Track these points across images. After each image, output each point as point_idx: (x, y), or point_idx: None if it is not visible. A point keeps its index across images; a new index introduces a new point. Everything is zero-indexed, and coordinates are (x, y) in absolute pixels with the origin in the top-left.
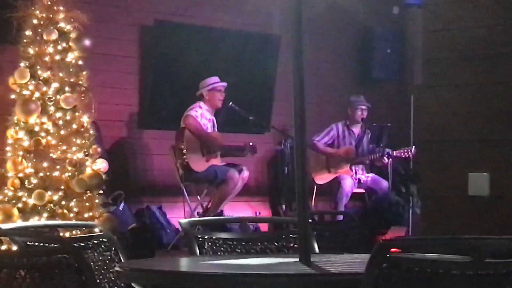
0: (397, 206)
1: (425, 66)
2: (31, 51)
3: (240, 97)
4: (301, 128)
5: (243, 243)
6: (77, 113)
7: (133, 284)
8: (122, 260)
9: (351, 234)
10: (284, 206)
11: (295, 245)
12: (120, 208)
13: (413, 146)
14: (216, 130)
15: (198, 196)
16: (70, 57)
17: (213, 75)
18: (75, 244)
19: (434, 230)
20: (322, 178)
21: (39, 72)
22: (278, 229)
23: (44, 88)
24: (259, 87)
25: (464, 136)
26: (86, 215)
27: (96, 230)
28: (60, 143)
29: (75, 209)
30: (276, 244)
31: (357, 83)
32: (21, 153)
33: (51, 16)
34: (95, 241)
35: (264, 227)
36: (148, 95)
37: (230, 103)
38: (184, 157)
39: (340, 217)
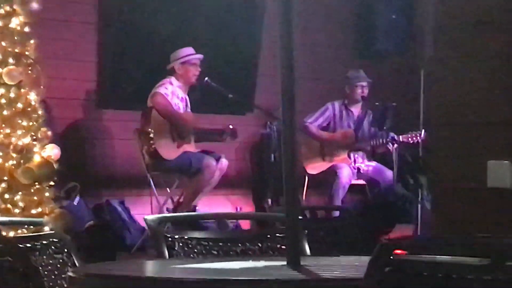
0: (403, 200)
1: (436, 34)
2: None
3: (218, 71)
4: (290, 107)
5: (220, 243)
6: (22, 90)
7: None
8: (77, 264)
9: (349, 233)
10: (270, 201)
11: (283, 246)
12: (75, 202)
13: (423, 130)
14: (190, 110)
15: (167, 189)
16: (15, 22)
17: (186, 46)
18: (21, 245)
19: (446, 228)
20: (315, 167)
21: None
22: (262, 227)
23: None
24: (240, 60)
25: (482, 117)
26: (34, 211)
27: (46, 228)
28: (3, 125)
29: (21, 204)
30: (260, 245)
31: (357, 55)
32: None
33: None
34: (45, 242)
35: (246, 224)
36: (109, 69)
37: (206, 79)
38: (151, 142)
39: (336, 213)
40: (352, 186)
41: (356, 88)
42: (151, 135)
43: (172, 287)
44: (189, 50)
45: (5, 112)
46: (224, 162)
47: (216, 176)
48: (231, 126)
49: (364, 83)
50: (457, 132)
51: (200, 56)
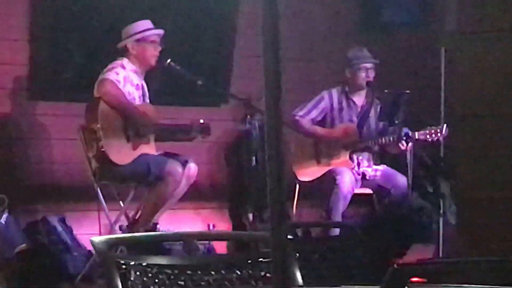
0: (420, 213)
1: (460, 5)
2: None
3: (184, 51)
4: (276, 97)
5: (189, 272)
6: None
7: None
8: None
9: (352, 256)
10: (251, 216)
11: (268, 274)
12: (2, 220)
13: (445, 124)
14: (148, 101)
15: (121, 202)
16: None
17: (142, 19)
18: None
19: (474, 248)
20: (309, 173)
21: None
22: (242, 250)
23: None
24: (212, 36)
25: None
26: None
27: None
28: None
29: None
30: (239, 273)
31: (360, 29)
32: None
33: None
34: None
35: (221, 247)
36: (44, 50)
37: (169, 60)
38: (100, 143)
39: (336, 231)
40: (355, 196)
41: (359, 72)
42: (99, 134)
43: None
44: (146, 23)
45: None
46: (192, 167)
47: (182, 185)
48: (201, 121)
49: (369, 65)
50: (487, 126)
51: (160, 31)
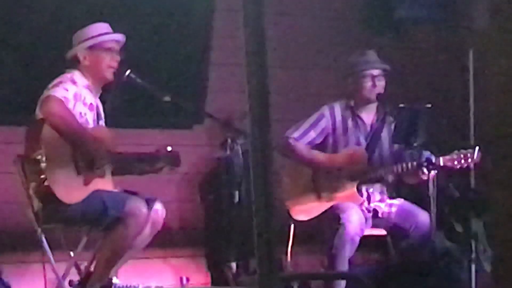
0: (447, 260)
1: None
2: None
3: (148, 61)
4: (263, 115)
5: None
6: None
7: None
8: None
9: None
10: (234, 265)
11: None
12: None
13: (476, 147)
14: (104, 123)
15: (71, 252)
16: None
17: (98, 21)
18: None
19: None
20: (307, 211)
21: None
22: None
23: None
24: (182, 42)
25: None
26: None
27: None
28: None
29: None
30: None
31: (368, 30)
32: None
33: None
34: None
35: None
36: None
37: (128, 72)
38: (42, 176)
39: (342, 284)
40: (365, 239)
41: (364, 80)
42: (42, 165)
43: None
44: (102, 27)
45: None
46: (159, 210)
47: (146, 232)
48: (169, 148)
49: (376, 71)
50: None
51: (119, 36)
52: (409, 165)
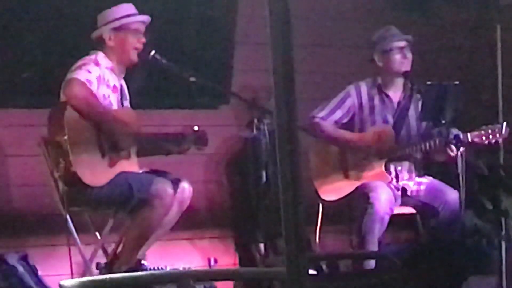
0: (477, 237)
1: None
2: None
3: (173, 42)
4: (288, 94)
5: None
6: None
7: None
8: None
9: None
10: (262, 246)
11: None
12: None
13: (504, 122)
14: (129, 105)
15: (97, 233)
16: None
17: (122, 2)
18: None
19: None
20: (335, 190)
21: None
22: None
23: None
24: (206, 22)
25: None
26: None
27: None
28: None
29: None
30: None
31: (397, 5)
32: None
33: None
34: None
35: (226, 287)
36: None
37: (153, 52)
38: (67, 159)
39: (371, 263)
40: (394, 218)
41: (391, 54)
42: (66, 148)
43: None
44: (128, 8)
45: None
46: (186, 189)
47: (173, 212)
48: (195, 128)
49: (402, 43)
50: None
51: (144, 17)
52: (437, 142)
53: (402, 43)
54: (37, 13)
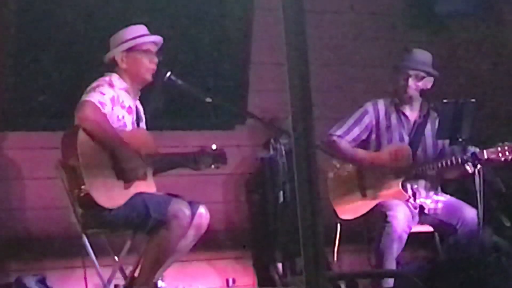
0: (496, 255)
1: None
2: None
3: (187, 62)
4: (306, 114)
5: None
6: None
7: None
8: None
9: None
10: (280, 266)
11: None
12: None
13: None
14: (144, 125)
15: (115, 257)
16: None
17: (135, 23)
18: None
19: None
20: (352, 209)
21: None
22: None
23: None
24: (221, 42)
25: None
26: None
27: None
28: None
29: None
30: None
31: (412, 23)
32: None
33: None
34: None
35: None
36: (10, 68)
37: (168, 74)
38: (81, 183)
39: (390, 282)
40: (412, 236)
41: (409, 78)
42: (79, 171)
43: None
44: (140, 29)
45: None
46: (203, 214)
47: (190, 236)
48: (214, 146)
49: (422, 73)
50: None
51: (157, 38)
52: (454, 160)
53: (422, 73)
54: (53, 37)
